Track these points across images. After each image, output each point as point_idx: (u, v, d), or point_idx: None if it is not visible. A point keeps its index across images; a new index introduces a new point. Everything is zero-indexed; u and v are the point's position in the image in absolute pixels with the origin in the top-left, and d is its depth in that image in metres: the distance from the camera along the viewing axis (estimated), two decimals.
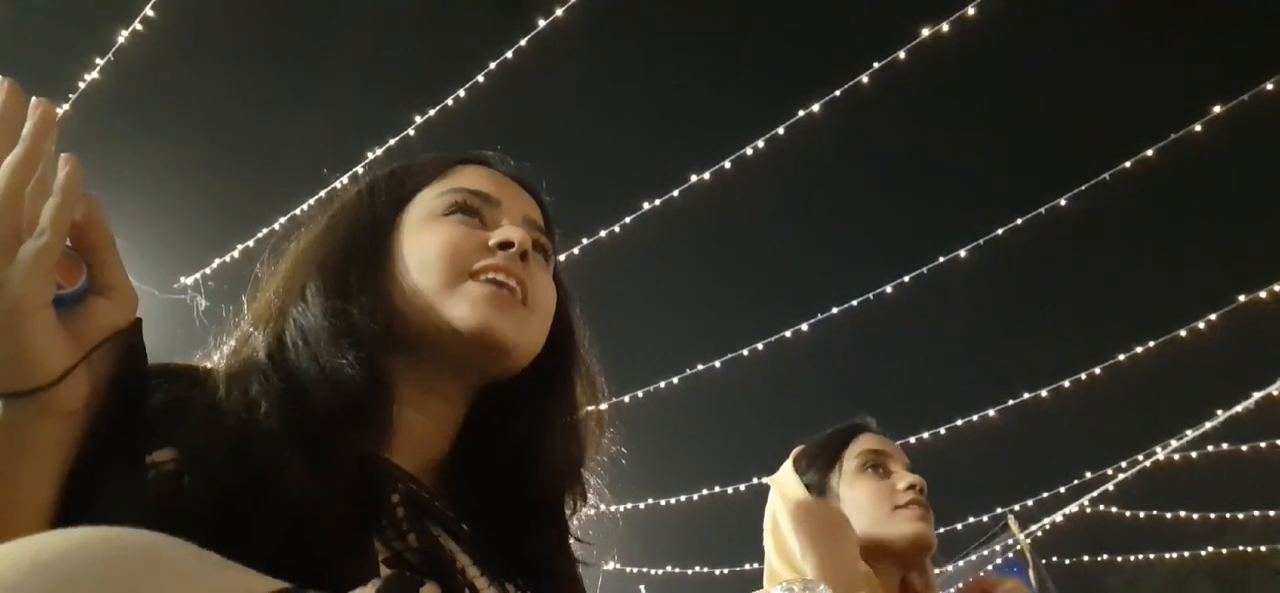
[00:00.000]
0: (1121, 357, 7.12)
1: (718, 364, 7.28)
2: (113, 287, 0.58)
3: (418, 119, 5.50)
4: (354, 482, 0.62)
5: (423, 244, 0.76)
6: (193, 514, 0.56)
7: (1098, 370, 7.26)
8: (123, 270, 0.59)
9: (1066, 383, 7.40)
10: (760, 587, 1.42)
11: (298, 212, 5.20)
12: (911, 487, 1.46)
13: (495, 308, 0.73)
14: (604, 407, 0.86)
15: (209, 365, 0.72)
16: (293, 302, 0.73)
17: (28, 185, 0.53)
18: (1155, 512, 9.21)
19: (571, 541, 0.82)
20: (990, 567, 9.50)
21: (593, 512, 0.84)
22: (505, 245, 0.75)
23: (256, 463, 0.60)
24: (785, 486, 1.55)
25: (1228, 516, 9.50)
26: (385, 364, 0.71)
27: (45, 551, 0.35)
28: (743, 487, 8.37)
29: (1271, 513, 9.09)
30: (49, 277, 0.53)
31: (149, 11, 4.80)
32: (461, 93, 5.42)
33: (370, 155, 5.29)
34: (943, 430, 7.63)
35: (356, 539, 0.60)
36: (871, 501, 1.46)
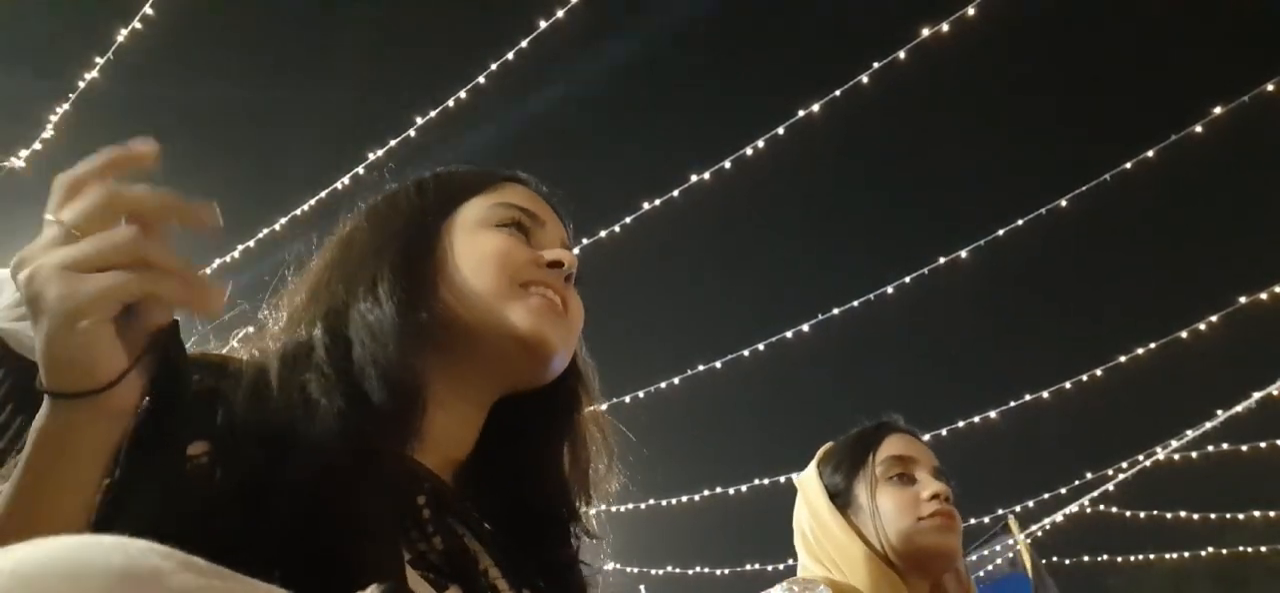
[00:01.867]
0: (1122, 357, 7.12)
1: (719, 365, 7.29)
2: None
3: (418, 119, 5.49)
4: (383, 481, 0.63)
5: (478, 248, 0.78)
6: (224, 508, 0.56)
7: (1098, 371, 7.27)
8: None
9: (1067, 383, 7.40)
10: (760, 587, 1.42)
11: (298, 212, 5.20)
12: (935, 496, 1.44)
13: (549, 319, 0.76)
14: (604, 421, 0.88)
15: (243, 356, 0.72)
16: (360, 297, 0.73)
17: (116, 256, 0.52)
18: (1155, 512, 9.22)
19: (581, 544, 0.83)
20: (990, 566, 9.51)
21: (594, 512, 0.85)
22: (556, 265, 0.79)
23: (292, 458, 0.60)
24: (808, 491, 1.55)
25: (1228, 516, 9.50)
26: (422, 364, 0.72)
27: (27, 560, 0.35)
28: (744, 487, 8.38)
29: (1271, 513, 9.09)
30: (115, 306, 0.53)
31: (149, 10, 4.79)
32: (462, 94, 5.42)
33: (370, 156, 5.30)
34: (943, 431, 7.64)
35: (383, 539, 0.60)
36: (896, 510, 1.44)
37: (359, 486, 0.60)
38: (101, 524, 0.53)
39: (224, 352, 0.75)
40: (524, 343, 0.75)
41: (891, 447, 1.51)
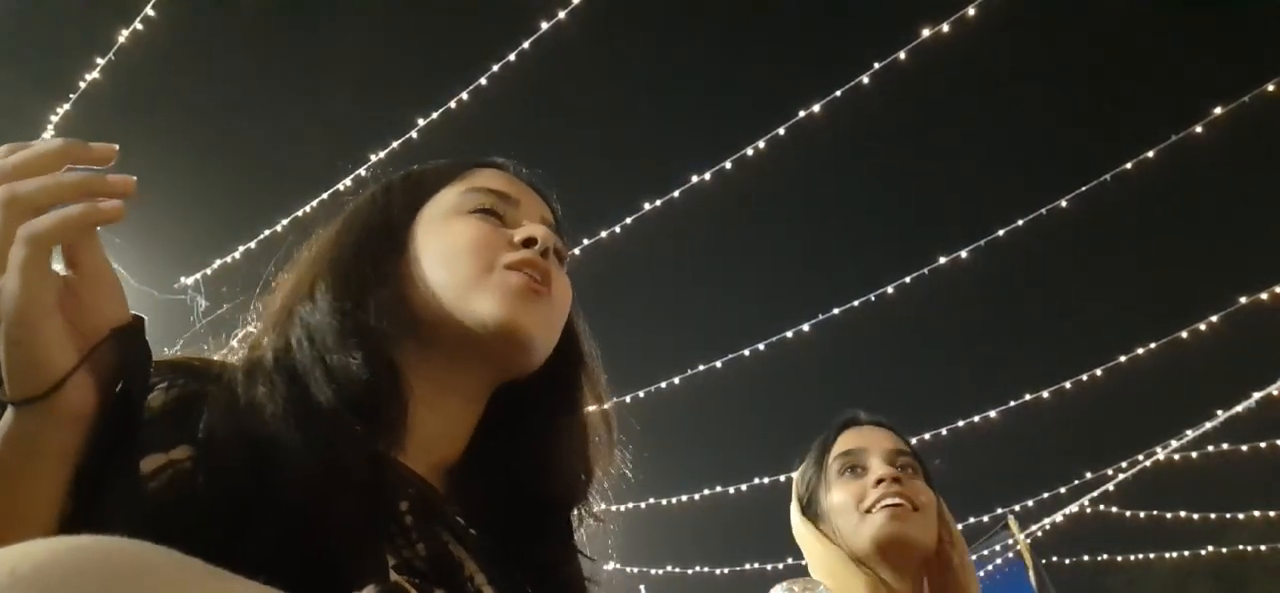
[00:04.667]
0: (1122, 357, 7.12)
1: (719, 364, 7.28)
2: (96, 276, 0.57)
3: (420, 121, 5.49)
4: (365, 486, 0.62)
5: (447, 238, 0.76)
6: (206, 514, 0.56)
7: (1098, 371, 7.26)
8: (103, 258, 0.58)
9: (1067, 383, 7.39)
10: (760, 587, 1.39)
11: (299, 213, 5.21)
12: (881, 482, 1.35)
13: (524, 300, 0.73)
14: (608, 407, 0.86)
15: (227, 360, 0.72)
16: (300, 302, 0.73)
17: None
18: (1155, 512, 9.21)
19: (582, 534, 0.82)
20: (990, 566, 9.51)
21: (594, 512, 0.84)
22: (529, 242, 0.76)
23: (269, 465, 0.60)
24: (791, 504, 1.51)
25: (1228, 516, 9.49)
26: (402, 362, 0.71)
27: (25, 560, 0.35)
28: (744, 487, 8.38)
29: (1271, 513, 9.08)
30: (45, 279, 0.52)
31: (149, 11, 4.80)
32: (464, 95, 5.42)
33: (372, 157, 5.30)
34: (943, 431, 7.63)
35: (366, 546, 0.60)
36: (843, 506, 1.37)
37: (340, 491, 0.59)
38: (73, 528, 0.52)
39: (219, 354, 0.75)
40: (497, 331, 0.72)
41: (843, 443, 1.45)
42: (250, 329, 0.77)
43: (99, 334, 0.56)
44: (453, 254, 0.74)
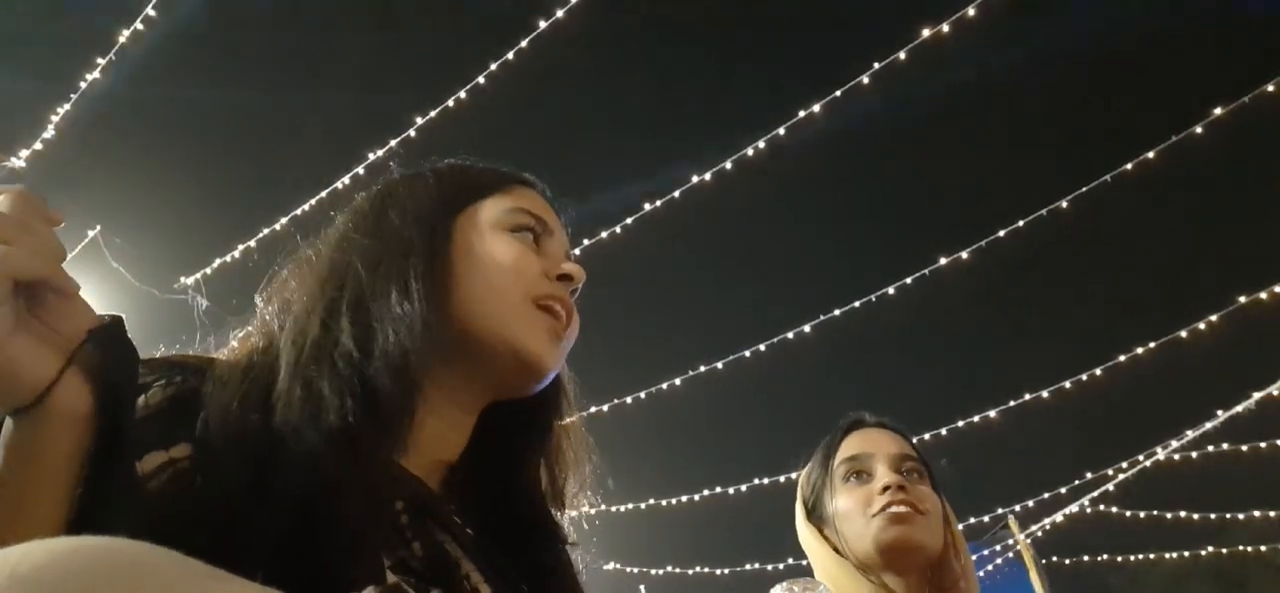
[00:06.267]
0: (1121, 357, 7.12)
1: (720, 365, 7.28)
2: (56, 290, 0.56)
3: (418, 119, 5.50)
4: (364, 488, 0.62)
5: (494, 253, 0.77)
6: (204, 512, 0.56)
7: (1098, 371, 7.26)
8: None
9: (1067, 383, 7.39)
10: (760, 587, 1.39)
11: (299, 212, 5.20)
12: (887, 488, 1.35)
13: (551, 345, 0.77)
14: (604, 408, 0.88)
15: (223, 358, 0.71)
16: (390, 291, 0.72)
17: None
18: (1155, 512, 9.21)
19: (571, 544, 0.83)
20: (990, 566, 9.52)
21: (593, 512, 0.85)
22: (566, 278, 0.80)
23: (268, 465, 0.60)
24: (796, 508, 1.51)
25: (1228, 516, 9.50)
26: (420, 370, 0.71)
27: (25, 561, 0.35)
28: (744, 487, 8.38)
29: (1271, 513, 9.09)
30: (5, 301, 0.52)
31: (150, 11, 4.80)
32: (463, 94, 5.42)
33: (371, 156, 5.30)
34: (943, 431, 7.63)
35: (363, 547, 0.60)
36: (848, 513, 1.37)
37: (342, 493, 0.60)
38: (76, 529, 0.52)
39: (219, 353, 0.75)
40: (524, 361, 0.75)
41: (848, 447, 1.44)
42: (250, 329, 0.76)
43: (79, 337, 0.56)
44: (497, 269, 0.76)
